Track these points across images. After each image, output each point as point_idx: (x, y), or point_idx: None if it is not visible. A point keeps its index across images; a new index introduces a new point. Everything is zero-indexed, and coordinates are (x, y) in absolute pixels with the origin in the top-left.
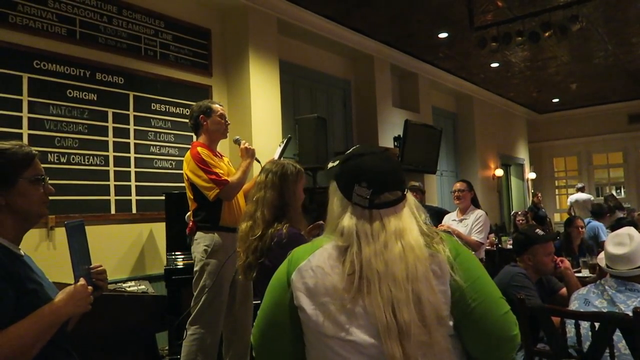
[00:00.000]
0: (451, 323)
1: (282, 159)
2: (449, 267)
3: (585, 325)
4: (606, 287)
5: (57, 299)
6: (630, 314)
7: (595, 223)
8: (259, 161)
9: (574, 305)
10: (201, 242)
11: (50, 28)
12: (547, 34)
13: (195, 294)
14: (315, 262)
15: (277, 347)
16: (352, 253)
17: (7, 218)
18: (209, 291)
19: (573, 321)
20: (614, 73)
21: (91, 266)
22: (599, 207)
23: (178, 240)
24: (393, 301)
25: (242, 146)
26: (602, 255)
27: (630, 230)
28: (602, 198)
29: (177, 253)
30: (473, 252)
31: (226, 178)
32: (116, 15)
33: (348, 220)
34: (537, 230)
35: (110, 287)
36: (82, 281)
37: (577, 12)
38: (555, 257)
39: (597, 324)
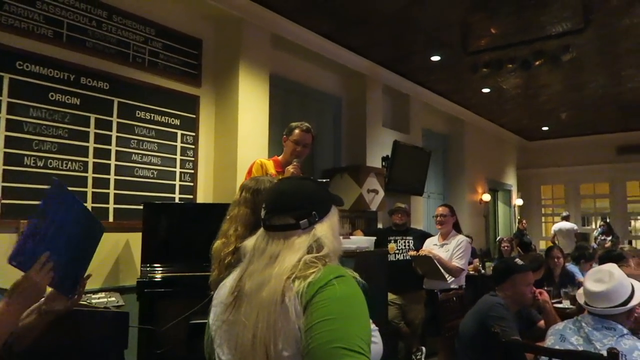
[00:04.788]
0: None
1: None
2: (299, 303)
3: None
4: (583, 323)
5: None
6: (605, 353)
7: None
8: None
9: (550, 340)
10: None
11: (36, 29)
12: (537, 63)
13: None
14: (228, 279)
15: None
16: (240, 271)
17: None
18: None
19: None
20: (604, 104)
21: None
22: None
23: (154, 252)
24: (245, 323)
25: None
26: (581, 291)
27: (612, 267)
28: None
29: (155, 265)
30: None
31: None
32: (106, 20)
33: (251, 240)
34: (517, 260)
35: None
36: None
37: (570, 42)
38: (534, 288)
39: None
